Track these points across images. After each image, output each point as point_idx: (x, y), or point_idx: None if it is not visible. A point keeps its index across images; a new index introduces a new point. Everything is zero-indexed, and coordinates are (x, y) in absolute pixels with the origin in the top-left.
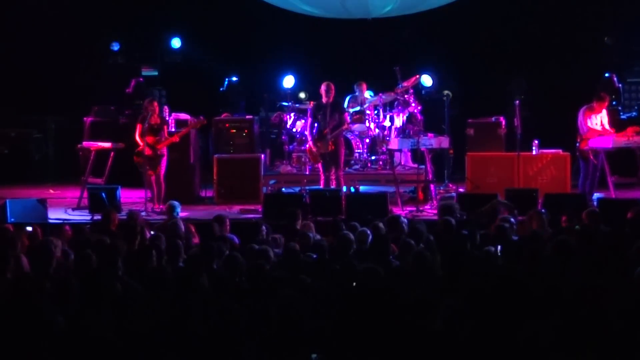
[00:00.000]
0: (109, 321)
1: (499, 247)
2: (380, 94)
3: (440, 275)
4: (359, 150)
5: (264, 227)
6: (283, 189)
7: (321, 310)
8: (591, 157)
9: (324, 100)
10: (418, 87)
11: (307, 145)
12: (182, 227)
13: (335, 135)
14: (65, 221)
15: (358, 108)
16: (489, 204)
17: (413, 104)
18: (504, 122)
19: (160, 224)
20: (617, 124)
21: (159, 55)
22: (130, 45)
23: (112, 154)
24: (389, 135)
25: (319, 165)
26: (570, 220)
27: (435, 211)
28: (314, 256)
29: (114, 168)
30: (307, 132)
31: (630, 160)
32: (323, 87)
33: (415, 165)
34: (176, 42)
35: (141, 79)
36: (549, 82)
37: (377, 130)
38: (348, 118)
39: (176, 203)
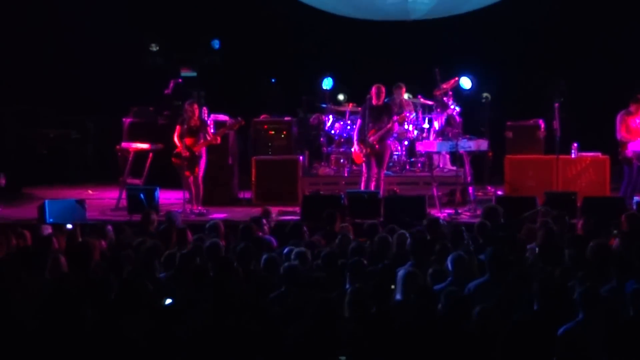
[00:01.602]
0: (142, 323)
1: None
2: (419, 97)
3: (487, 276)
4: (397, 153)
5: (305, 229)
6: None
7: (357, 312)
8: (635, 161)
9: (374, 102)
10: (457, 89)
11: (353, 147)
12: (223, 228)
13: (379, 136)
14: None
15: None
16: (532, 211)
17: (452, 106)
18: (543, 125)
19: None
20: None
21: (198, 56)
22: (169, 47)
23: (150, 154)
24: (428, 138)
25: (362, 165)
26: None
27: (474, 214)
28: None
29: (152, 169)
30: (354, 133)
31: None
32: (374, 90)
33: (454, 168)
34: (215, 44)
35: (180, 80)
36: (589, 85)
37: (415, 133)
38: (396, 122)
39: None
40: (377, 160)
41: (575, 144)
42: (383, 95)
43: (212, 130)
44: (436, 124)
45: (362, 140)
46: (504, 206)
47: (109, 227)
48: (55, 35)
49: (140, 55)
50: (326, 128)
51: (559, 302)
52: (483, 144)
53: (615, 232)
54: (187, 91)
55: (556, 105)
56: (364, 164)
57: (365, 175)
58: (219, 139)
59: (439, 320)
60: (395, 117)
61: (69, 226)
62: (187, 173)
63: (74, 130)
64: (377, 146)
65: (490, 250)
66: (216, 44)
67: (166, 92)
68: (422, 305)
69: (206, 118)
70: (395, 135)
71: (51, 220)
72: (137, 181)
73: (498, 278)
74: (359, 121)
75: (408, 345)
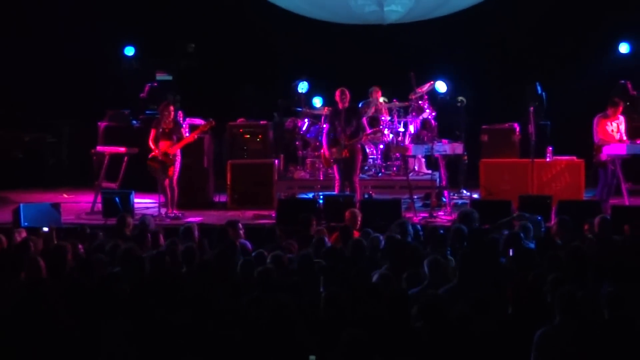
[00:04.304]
0: (121, 325)
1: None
2: (394, 101)
3: (455, 281)
4: (372, 156)
5: (279, 233)
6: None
7: (332, 316)
8: (609, 164)
9: (339, 106)
10: (432, 93)
11: (322, 150)
12: (197, 232)
13: (352, 144)
14: (81, 225)
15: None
16: (509, 218)
17: (427, 110)
18: (518, 129)
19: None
20: (631, 131)
21: (174, 60)
22: (145, 50)
23: (126, 158)
24: (403, 142)
25: (334, 170)
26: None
27: (449, 217)
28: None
29: (127, 173)
30: (322, 138)
31: None
32: (337, 93)
33: (430, 172)
34: (191, 47)
35: (155, 84)
36: (564, 89)
37: (391, 136)
38: (367, 124)
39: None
40: (346, 168)
41: (550, 148)
42: (347, 98)
43: (186, 133)
44: (411, 128)
45: (333, 145)
46: (479, 210)
47: (87, 230)
48: (30, 39)
49: (116, 59)
50: (302, 132)
51: (532, 305)
52: (458, 148)
53: (589, 235)
54: (162, 95)
55: (531, 109)
56: (335, 170)
57: (339, 180)
58: (194, 135)
59: (414, 324)
60: (368, 131)
61: (45, 229)
62: (162, 177)
63: (50, 134)
64: (346, 154)
65: (460, 256)
66: (191, 47)
67: (142, 95)
68: (395, 309)
69: (182, 122)
70: (369, 138)
71: (26, 224)
72: (112, 185)
73: (467, 283)
74: (326, 126)
75: (383, 349)
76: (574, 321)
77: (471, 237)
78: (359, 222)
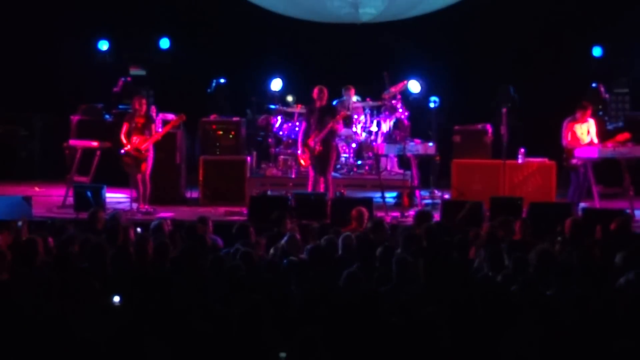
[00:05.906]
0: (91, 320)
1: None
2: (368, 100)
3: (423, 281)
4: (345, 155)
5: (252, 230)
6: (269, 192)
7: (307, 312)
8: (581, 168)
9: (317, 104)
10: (405, 93)
11: (297, 149)
12: (168, 227)
13: (322, 137)
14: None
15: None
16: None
17: (400, 110)
18: (490, 130)
19: None
20: (603, 134)
21: (148, 55)
22: (119, 45)
23: (98, 152)
24: (376, 141)
25: (309, 167)
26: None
27: None
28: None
29: (100, 167)
30: (298, 136)
31: (616, 170)
32: (315, 91)
33: (401, 171)
34: (165, 43)
35: (129, 79)
36: (537, 91)
37: (363, 135)
38: (340, 120)
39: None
40: (320, 164)
41: (522, 150)
42: (325, 96)
43: (159, 129)
44: (384, 127)
45: (306, 144)
46: (451, 210)
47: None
48: (2, 31)
49: (90, 53)
50: (274, 129)
51: (500, 307)
52: (430, 148)
53: (559, 238)
54: (136, 90)
55: (504, 110)
56: (310, 167)
57: (313, 178)
58: (164, 130)
59: (381, 322)
60: (341, 129)
61: (20, 223)
62: (134, 171)
63: (22, 127)
64: (320, 149)
65: (427, 256)
66: (165, 43)
67: (115, 90)
68: (363, 307)
69: (154, 117)
70: (342, 137)
71: None
72: (84, 179)
73: (434, 284)
74: (303, 124)
75: (353, 346)
76: (542, 323)
77: (434, 236)
78: (365, 221)
